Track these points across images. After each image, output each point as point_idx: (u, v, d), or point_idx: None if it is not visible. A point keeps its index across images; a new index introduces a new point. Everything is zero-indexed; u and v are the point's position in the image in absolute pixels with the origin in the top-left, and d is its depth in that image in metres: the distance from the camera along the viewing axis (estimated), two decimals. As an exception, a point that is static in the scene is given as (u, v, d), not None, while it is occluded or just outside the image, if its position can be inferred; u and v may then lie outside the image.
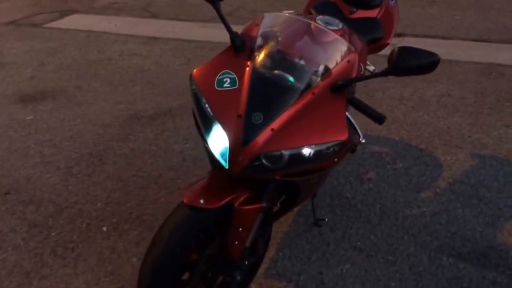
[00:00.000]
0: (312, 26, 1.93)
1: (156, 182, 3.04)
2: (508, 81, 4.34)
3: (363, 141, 1.72)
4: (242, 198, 1.79)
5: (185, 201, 1.76)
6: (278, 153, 1.60)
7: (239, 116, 1.63)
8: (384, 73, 1.61)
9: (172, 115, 3.85)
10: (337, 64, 1.79)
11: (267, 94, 1.68)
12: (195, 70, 1.80)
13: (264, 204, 1.80)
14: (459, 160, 3.23)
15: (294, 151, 1.61)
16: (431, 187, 2.98)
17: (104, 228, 2.68)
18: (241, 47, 1.81)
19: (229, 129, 1.62)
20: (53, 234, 2.64)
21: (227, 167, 1.62)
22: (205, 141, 1.69)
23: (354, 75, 1.79)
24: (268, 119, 1.62)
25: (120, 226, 2.69)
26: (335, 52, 1.84)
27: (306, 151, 1.62)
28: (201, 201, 1.74)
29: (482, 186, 2.95)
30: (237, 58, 1.80)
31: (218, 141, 1.64)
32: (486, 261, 2.44)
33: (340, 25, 2.04)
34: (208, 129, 1.66)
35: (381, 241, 2.57)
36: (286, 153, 1.61)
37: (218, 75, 1.73)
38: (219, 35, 5.08)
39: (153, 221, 2.72)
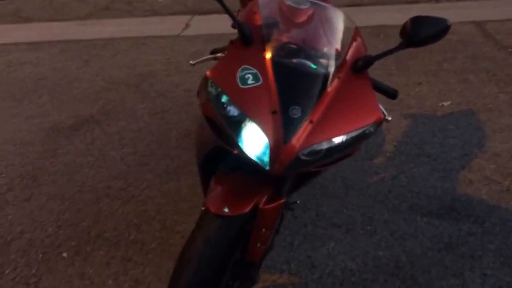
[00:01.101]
0: (309, 7, 1.84)
1: (107, 194, 2.78)
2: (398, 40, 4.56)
3: (390, 118, 1.68)
4: (265, 198, 1.68)
5: (212, 210, 1.61)
6: (319, 146, 1.51)
7: (274, 112, 1.50)
8: (402, 47, 1.58)
9: (96, 121, 3.55)
10: (349, 44, 1.72)
11: (296, 84, 1.57)
12: (209, 72, 1.63)
13: (285, 199, 1.70)
14: (393, 123, 3.34)
15: (334, 141, 1.53)
16: (381, 152, 3.06)
17: (65, 254, 2.40)
18: (251, 38, 1.67)
19: (267, 128, 1.49)
20: (7, 271, 2.31)
21: (268, 168, 1.49)
22: (234, 145, 1.53)
23: (364, 51, 1.74)
24: (306, 111, 1.52)
25: (82, 249, 2.43)
26: (340, 30, 1.77)
27: (345, 138, 1.54)
28: (226, 209, 1.61)
29: (424, 143, 3.08)
30: (250, 51, 1.65)
31: (254, 142, 1.50)
32: (456, 214, 2.56)
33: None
34: (239, 131, 1.52)
35: (354, 212, 2.59)
36: (326, 144, 1.52)
37: (238, 73, 1.58)
38: (105, 31, 4.83)
39: (117, 236, 2.49)
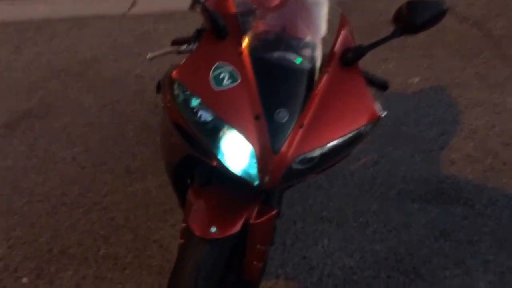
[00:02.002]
0: None
1: (63, 203, 2.43)
2: (361, 18, 4.43)
3: (384, 114, 1.49)
4: (255, 211, 1.45)
5: (198, 234, 1.37)
6: (312, 153, 1.31)
7: (257, 117, 1.28)
8: (397, 34, 1.40)
9: (36, 116, 3.12)
10: (336, 32, 1.50)
11: (280, 83, 1.35)
12: (175, 73, 1.36)
13: (276, 209, 1.49)
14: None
15: (330, 145, 1.33)
16: (356, 135, 2.91)
17: (25, 280, 2.06)
18: (225, 30, 1.40)
19: (252, 136, 1.27)
20: (-43, 310, 1.95)
21: (256, 183, 1.28)
22: (212, 157, 1.31)
23: (353, 41, 1.53)
24: (294, 114, 1.31)
25: (44, 270, 2.10)
26: (324, 17, 1.54)
27: (340, 142, 1.34)
28: (213, 229, 1.38)
29: (400, 124, 2.96)
30: (225, 44, 1.40)
31: (237, 153, 1.29)
32: (446, 197, 2.46)
33: None
34: (217, 141, 1.30)
35: (343, 205, 2.42)
36: (319, 150, 1.32)
37: (212, 71, 1.33)
38: (38, 11, 4.31)
39: (84, 251, 2.18)
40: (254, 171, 1.28)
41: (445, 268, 2.12)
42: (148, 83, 3.29)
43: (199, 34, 1.50)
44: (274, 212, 1.46)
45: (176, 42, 1.63)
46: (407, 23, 1.35)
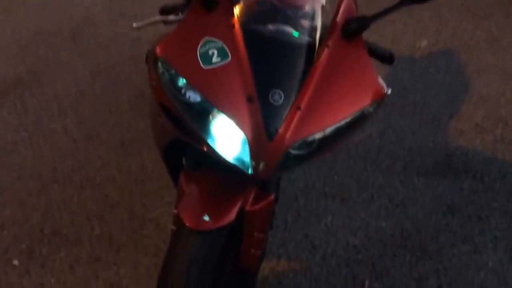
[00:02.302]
0: None
1: (54, 179, 2.33)
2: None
3: (389, 91, 1.36)
4: (251, 197, 1.34)
5: (190, 224, 1.26)
6: (312, 137, 1.19)
7: (249, 99, 1.16)
8: (406, 2, 1.25)
9: (25, 84, 2.97)
10: (338, 1, 1.35)
11: (276, 60, 1.22)
12: (159, 47, 1.22)
13: (274, 193, 1.38)
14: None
15: (331, 128, 1.20)
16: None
17: (15, 262, 1.98)
18: (214, 0, 1.26)
19: (243, 120, 1.15)
20: None
21: (250, 172, 1.17)
22: (201, 142, 1.20)
23: (356, 10, 1.38)
24: (291, 94, 1.18)
25: (35, 252, 2.02)
26: None
27: (343, 124, 1.22)
28: (206, 217, 1.26)
29: (407, 92, 2.83)
30: (213, 17, 1.25)
31: (228, 139, 1.17)
32: (454, 170, 2.35)
33: None
34: (205, 125, 1.18)
35: (347, 179, 2.32)
36: (319, 134, 1.20)
37: (199, 47, 1.20)
38: None
39: (77, 231, 2.09)
40: (247, 158, 1.17)
41: (453, 245, 2.04)
42: (145, 47, 3.13)
43: (188, 3, 1.35)
44: (272, 197, 1.35)
45: (164, 11, 1.47)
46: None
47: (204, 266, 1.27)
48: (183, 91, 1.18)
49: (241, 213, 1.31)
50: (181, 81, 1.19)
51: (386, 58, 1.35)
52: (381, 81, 1.30)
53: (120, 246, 2.03)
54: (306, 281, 1.91)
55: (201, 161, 1.41)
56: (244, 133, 1.15)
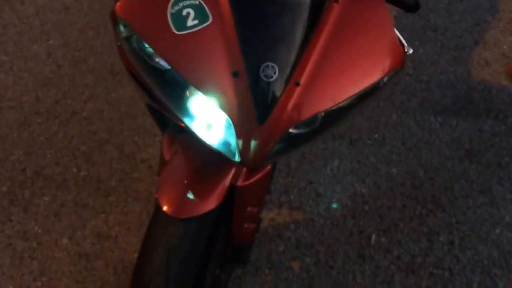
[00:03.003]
0: None
1: (37, 111, 2.13)
2: None
3: (410, 51, 1.10)
4: (243, 172, 1.14)
5: (168, 211, 1.07)
6: (314, 117, 0.96)
7: (235, 73, 0.93)
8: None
9: (4, -5, 2.68)
10: None
11: (270, 23, 0.96)
12: (119, 5, 0.96)
13: (271, 165, 1.18)
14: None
15: (337, 105, 0.97)
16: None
17: (-3, 208, 1.85)
18: None
19: (227, 101, 0.93)
20: None
21: (237, 159, 0.97)
22: (178, 119, 0.99)
23: None
24: (286, 68, 0.94)
25: (17, 195, 1.88)
26: None
27: (354, 98, 0.99)
28: (190, 195, 1.08)
29: (430, 12, 2.53)
30: None
31: (208, 121, 0.96)
32: (475, 109, 2.14)
33: None
34: (181, 102, 0.96)
35: (357, 116, 2.11)
36: (324, 112, 0.97)
37: (170, 7, 0.93)
38: None
39: (62, 172, 1.94)
40: (233, 143, 0.96)
41: (468, 196, 1.89)
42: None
43: None
44: (268, 168, 1.16)
45: None
46: None
47: (187, 257, 1.10)
48: (152, 59, 0.95)
49: (231, 187, 1.13)
50: (148, 49, 0.95)
51: (409, 4, 1.09)
52: (401, 40, 1.05)
53: (109, 190, 1.89)
54: (308, 234, 1.78)
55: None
56: (229, 115, 0.93)
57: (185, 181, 1.11)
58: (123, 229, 1.79)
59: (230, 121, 0.94)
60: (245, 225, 1.25)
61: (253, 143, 0.95)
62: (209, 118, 0.96)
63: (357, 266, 1.71)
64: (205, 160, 1.15)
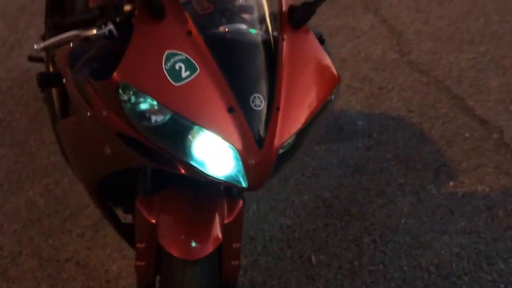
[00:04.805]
0: None
1: None
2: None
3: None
4: (225, 209, 1.28)
5: (177, 255, 1.18)
6: (293, 136, 1.15)
7: (230, 109, 1.07)
8: None
9: None
10: None
11: (244, 63, 1.14)
12: (117, 73, 1.05)
13: (242, 198, 1.33)
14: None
15: (306, 123, 1.17)
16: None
17: None
18: (161, 5, 1.09)
19: (230, 133, 1.06)
20: None
21: (245, 185, 1.09)
22: (182, 166, 1.10)
23: None
24: (267, 96, 1.12)
25: None
26: None
27: (315, 115, 1.19)
28: (193, 244, 1.21)
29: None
30: (166, 25, 1.10)
31: (214, 157, 1.08)
32: (345, 133, 2.50)
33: None
34: (184, 147, 1.07)
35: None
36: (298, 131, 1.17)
37: (163, 64, 1.06)
38: None
39: None
40: (239, 172, 1.08)
41: (370, 202, 2.18)
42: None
43: (102, 12, 1.16)
44: (241, 203, 1.30)
45: (75, 24, 1.23)
46: None
47: None
48: (151, 115, 1.05)
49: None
50: (147, 104, 1.05)
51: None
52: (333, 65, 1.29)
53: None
54: (258, 273, 1.88)
55: (163, 182, 1.28)
56: (234, 145, 1.06)
57: (183, 231, 1.20)
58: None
59: (235, 152, 1.06)
60: (232, 262, 1.34)
61: (256, 166, 1.07)
62: (213, 156, 1.07)
63: (310, 287, 1.85)
64: (190, 208, 1.25)
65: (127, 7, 1.11)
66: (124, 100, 1.05)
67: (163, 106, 1.03)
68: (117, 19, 1.11)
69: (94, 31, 1.13)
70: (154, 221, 1.23)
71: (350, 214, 2.12)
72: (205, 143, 1.06)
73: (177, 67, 1.05)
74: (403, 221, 2.10)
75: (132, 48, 1.07)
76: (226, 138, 1.05)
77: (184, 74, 1.05)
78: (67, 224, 1.99)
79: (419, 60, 2.97)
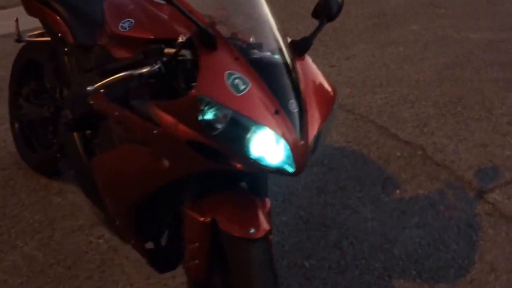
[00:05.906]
0: None
1: None
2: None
3: None
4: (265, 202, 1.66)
5: (243, 235, 1.48)
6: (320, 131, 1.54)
7: (276, 112, 1.42)
8: (325, 23, 1.65)
9: None
10: (277, 26, 1.67)
11: (278, 78, 1.50)
12: (196, 90, 1.38)
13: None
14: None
15: (323, 123, 1.56)
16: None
17: None
18: (214, 38, 1.45)
19: (280, 130, 1.40)
20: None
21: (293, 170, 1.43)
22: (241, 160, 1.41)
23: None
24: (299, 101, 1.49)
25: None
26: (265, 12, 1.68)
27: (329, 118, 1.60)
28: (251, 230, 1.49)
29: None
30: (220, 53, 1.45)
31: (270, 148, 1.40)
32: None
33: None
34: (244, 144, 1.38)
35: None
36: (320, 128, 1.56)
37: (226, 81, 1.40)
38: None
39: None
40: (288, 160, 1.40)
41: (339, 213, 2.49)
42: None
43: (146, 55, 1.44)
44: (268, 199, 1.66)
45: (118, 69, 1.46)
46: (329, 14, 1.63)
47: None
48: (218, 121, 1.36)
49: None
50: (219, 111, 1.36)
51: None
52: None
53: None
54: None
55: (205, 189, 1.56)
56: (285, 140, 1.39)
57: (246, 219, 1.52)
58: None
59: (286, 144, 1.39)
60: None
61: (301, 155, 1.42)
62: (269, 148, 1.38)
63: (310, 287, 2.09)
64: (235, 204, 1.55)
65: (170, 50, 1.43)
66: (199, 110, 1.34)
67: (234, 111, 1.35)
68: (164, 59, 1.42)
69: (145, 69, 1.41)
70: (208, 220, 1.49)
71: (326, 225, 2.41)
72: (262, 139, 1.37)
73: (235, 82, 1.39)
74: (369, 224, 2.43)
75: (204, 70, 1.40)
76: (279, 133, 1.38)
77: (241, 87, 1.39)
78: (72, 271, 2.06)
79: (343, 102, 3.45)
